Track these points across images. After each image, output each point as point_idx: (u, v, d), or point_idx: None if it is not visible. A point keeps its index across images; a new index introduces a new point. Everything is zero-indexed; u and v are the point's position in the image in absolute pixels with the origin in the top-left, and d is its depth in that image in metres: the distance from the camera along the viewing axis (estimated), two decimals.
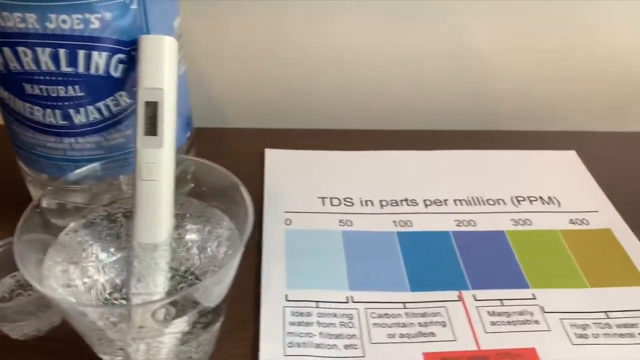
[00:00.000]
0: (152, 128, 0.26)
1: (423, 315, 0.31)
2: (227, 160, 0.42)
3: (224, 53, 0.47)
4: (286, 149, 0.44)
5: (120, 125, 0.30)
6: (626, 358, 0.30)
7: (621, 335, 0.31)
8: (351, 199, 0.39)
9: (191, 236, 0.29)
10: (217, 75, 0.49)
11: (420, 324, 0.31)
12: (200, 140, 0.40)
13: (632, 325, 0.32)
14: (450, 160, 0.43)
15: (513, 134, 0.47)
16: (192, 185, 0.31)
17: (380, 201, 0.39)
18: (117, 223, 0.29)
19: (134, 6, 0.27)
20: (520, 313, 0.32)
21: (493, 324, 0.31)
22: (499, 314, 0.32)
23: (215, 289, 0.25)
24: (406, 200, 0.39)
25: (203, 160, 0.29)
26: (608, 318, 0.32)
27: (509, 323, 0.31)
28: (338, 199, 0.39)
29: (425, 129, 0.47)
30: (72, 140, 0.29)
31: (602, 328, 0.31)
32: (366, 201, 0.39)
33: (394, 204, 0.39)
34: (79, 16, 0.26)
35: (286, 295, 0.32)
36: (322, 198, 0.39)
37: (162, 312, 0.24)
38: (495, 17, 0.46)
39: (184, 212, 0.29)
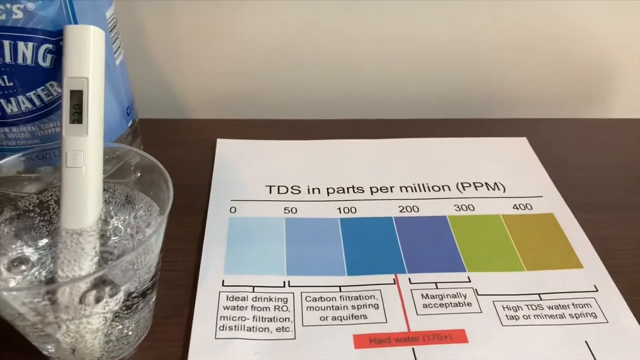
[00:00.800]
0: (77, 116, 0.27)
1: (357, 298, 0.32)
2: (182, 150, 0.43)
3: (182, 46, 0.48)
4: (240, 139, 0.44)
5: (53, 115, 0.30)
6: (554, 338, 0.30)
7: (551, 317, 0.31)
8: (299, 187, 0.40)
9: (122, 222, 0.29)
10: (174, 68, 0.49)
11: (353, 307, 0.31)
12: (157, 131, 0.40)
13: (564, 307, 0.32)
14: (400, 148, 0.44)
15: (466, 122, 0.48)
16: (139, 174, 0.31)
17: (328, 189, 0.40)
18: (49, 210, 0.29)
19: None
20: (454, 296, 0.32)
21: (425, 306, 0.32)
22: (432, 297, 0.32)
23: (136, 273, 0.25)
24: (353, 187, 0.40)
25: (131, 148, 0.30)
26: (541, 300, 0.32)
27: (441, 305, 0.32)
28: (285, 187, 0.40)
29: (377, 118, 0.48)
30: (6, 129, 0.30)
31: (533, 310, 0.32)
32: (313, 189, 0.39)
33: (341, 192, 0.39)
34: (1, 7, 0.26)
35: (223, 281, 0.32)
36: (270, 186, 0.39)
37: (92, 295, 0.25)
38: (442, 5, 0.46)
39: (115, 199, 0.30)
